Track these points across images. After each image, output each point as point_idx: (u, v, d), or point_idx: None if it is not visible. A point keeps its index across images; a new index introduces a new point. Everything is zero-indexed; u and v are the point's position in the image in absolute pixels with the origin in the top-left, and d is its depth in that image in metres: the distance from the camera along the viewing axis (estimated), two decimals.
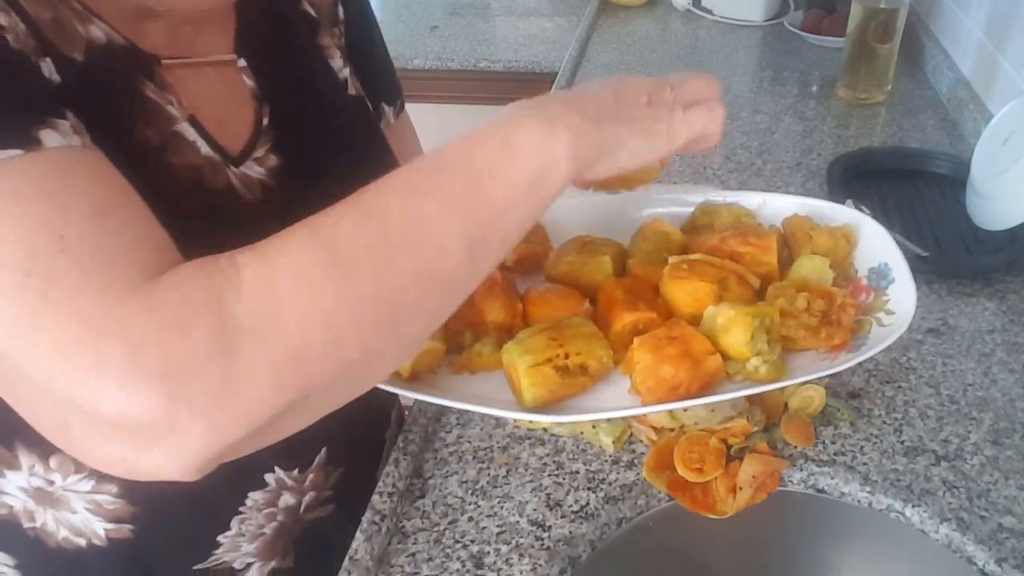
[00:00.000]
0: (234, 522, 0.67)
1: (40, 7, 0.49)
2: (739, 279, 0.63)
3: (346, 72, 0.71)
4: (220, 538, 0.67)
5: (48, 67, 0.46)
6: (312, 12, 0.69)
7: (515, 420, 0.72)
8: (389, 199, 0.45)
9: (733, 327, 0.57)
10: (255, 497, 0.67)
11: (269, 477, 0.67)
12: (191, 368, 0.39)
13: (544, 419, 0.58)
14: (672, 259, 0.64)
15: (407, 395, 0.61)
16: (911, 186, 1.09)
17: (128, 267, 0.41)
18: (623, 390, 0.60)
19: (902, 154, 1.17)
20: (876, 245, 0.66)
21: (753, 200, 0.72)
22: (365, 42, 0.75)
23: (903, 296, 0.61)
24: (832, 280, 0.64)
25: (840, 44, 1.41)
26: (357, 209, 0.45)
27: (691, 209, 0.73)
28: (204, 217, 0.56)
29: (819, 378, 0.63)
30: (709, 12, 1.81)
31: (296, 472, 0.68)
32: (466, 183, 0.46)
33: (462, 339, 0.65)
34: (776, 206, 0.72)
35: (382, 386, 0.61)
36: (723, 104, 0.55)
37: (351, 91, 0.71)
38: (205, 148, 0.57)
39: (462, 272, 0.47)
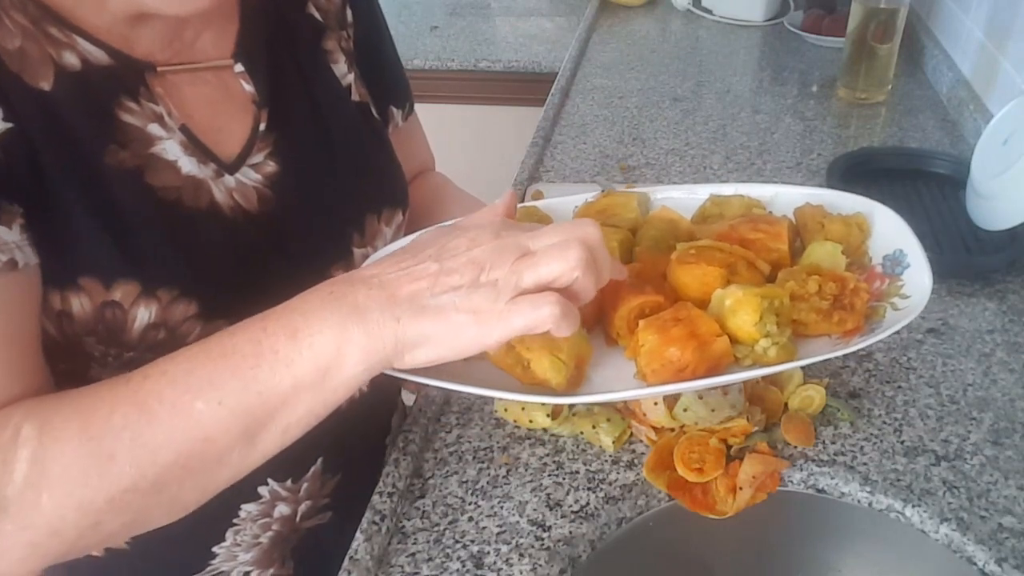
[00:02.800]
0: (228, 533, 0.66)
1: (7, 36, 0.49)
2: (748, 264, 0.62)
3: (350, 78, 0.70)
4: (215, 549, 0.67)
5: None
6: (318, 16, 0.68)
7: (515, 419, 0.72)
8: (163, 392, 0.47)
9: (741, 308, 0.56)
10: (248, 509, 0.66)
11: (263, 489, 0.66)
12: None
13: (556, 400, 0.56)
14: (680, 245, 0.62)
15: (418, 382, 0.58)
16: (911, 186, 1.09)
17: None
18: (628, 374, 0.58)
19: (902, 154, 1.17)
20: (890, 232, 0.65)
21: (765, 191, 0.71)
22: (374, 44, 0.74)
23: (918, 280, 0.59)
24: (845, 267, 0.63)
25: (840, 44, 1.41)
26: (130, 402, 0.47)
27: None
28: (187, 238, 0.56)
29: (828, 360, 0.60)
30: (709, 12, 1.81)
31: (290, 483, 0.68)
32: (244, 380, 0.46)
33: None
34: (788, 198, 0.70)
35: (392, 373, 0.59)
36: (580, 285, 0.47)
37: (354, 97, 0.70)
38: (188, 167, 0.56)
39: (236, 455, 0.48)
